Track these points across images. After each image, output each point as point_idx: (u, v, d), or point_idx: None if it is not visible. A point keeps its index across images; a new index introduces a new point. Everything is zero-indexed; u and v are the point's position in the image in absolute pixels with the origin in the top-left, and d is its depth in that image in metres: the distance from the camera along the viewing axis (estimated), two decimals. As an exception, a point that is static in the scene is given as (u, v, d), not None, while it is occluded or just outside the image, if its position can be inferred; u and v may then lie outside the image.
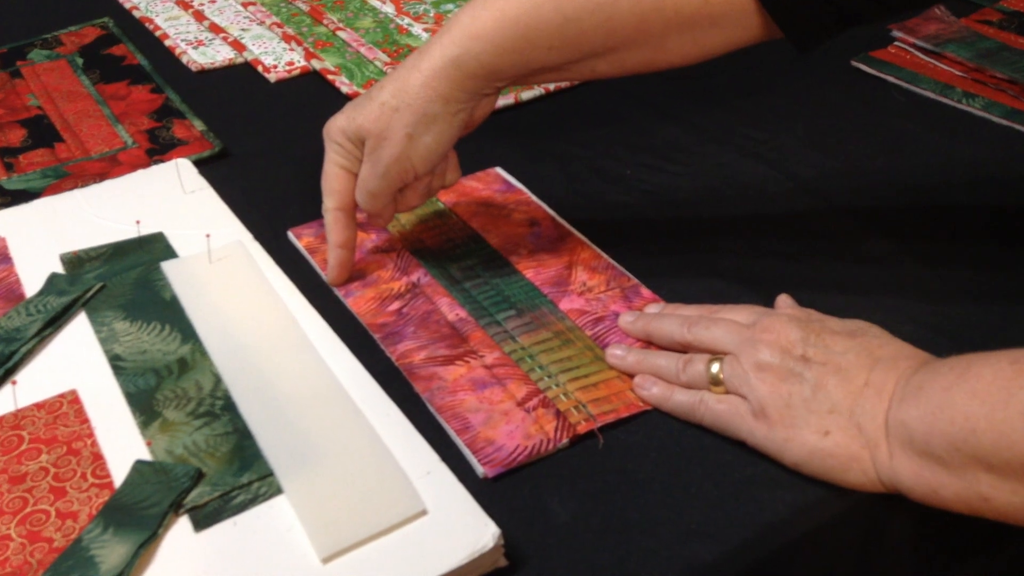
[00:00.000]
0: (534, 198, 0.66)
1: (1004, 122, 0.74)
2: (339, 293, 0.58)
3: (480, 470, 0.47)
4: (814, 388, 0.45)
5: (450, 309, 0.56)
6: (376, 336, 0.55)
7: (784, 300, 0.54)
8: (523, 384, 0.51)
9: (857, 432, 0.44)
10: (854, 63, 0.83)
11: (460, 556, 0.42)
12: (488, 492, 0.46)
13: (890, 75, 0.81)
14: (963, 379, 0.41)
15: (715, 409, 0.48)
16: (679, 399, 0.49)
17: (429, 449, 0.47)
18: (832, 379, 0.45)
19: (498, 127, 0.76)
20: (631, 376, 0.52)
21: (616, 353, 0.53)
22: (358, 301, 0.57)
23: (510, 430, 0.48)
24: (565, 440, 0.48)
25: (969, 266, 0.60)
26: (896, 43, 0.85)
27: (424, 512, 0.43)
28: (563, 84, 0.81)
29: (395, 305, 0.57)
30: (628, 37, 0.52)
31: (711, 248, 0.62)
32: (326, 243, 0.59)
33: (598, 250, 0.61)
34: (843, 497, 0.46)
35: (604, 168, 0.71)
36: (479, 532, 0.42)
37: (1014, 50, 0.83)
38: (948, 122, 0.75)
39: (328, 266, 0.58)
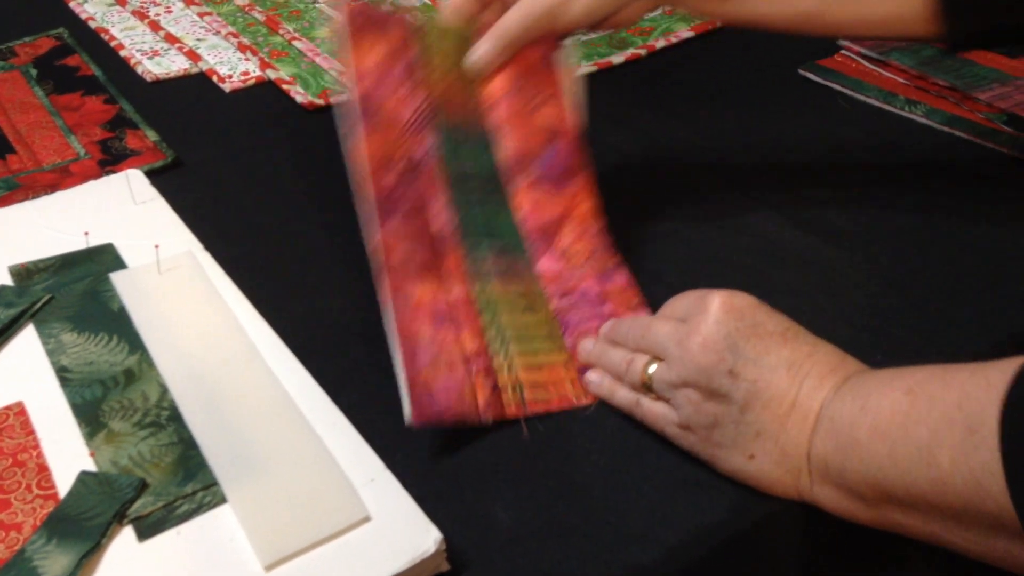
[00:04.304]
0: (567, 100, 0.61)
1: (945, 128, 0.76)
2: (356, 115, 0.55)
3: (407, 415, 0.47)
4: (741, 409, 0.45)
5: (438, 213, 0.54)
6: (373, 193, 0.52)
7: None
8: (475, 338, 0.51)
9: (782, 457, 0.45)
10: (801, 71, 0.85)
11: (402, 561, 0.42)
12: (431, 498, 0.46)
13: (836, 83, 0.83)
14: (864, 413, 0.42)
15: (648, 413, 0.49)
16: (620, 396, 0.50)
17: (374, 456, 0.47)
18: (759, 401, 0.45)
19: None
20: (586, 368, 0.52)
21: (586, 347, 0.53)
22: (373, 139, 0.54)
23: (448, 386, 0.48)
24: (490, 418, 0.49)
25: (911, 271, 0.62)
26: (842, 52, 0.87)
27: (367, 519, 0.44)
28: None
29: (393, 177, 0.54)
30: None
31: (657, 256, 0.63)
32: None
33: (598, 205, 0.58)
34: (778, 498, 0.47)
35: (555, 176, 0.72)
36: (421, 537, 0.43)
37: (956, 58, 0.85)
38: (891, 128, 0.77)
39: None
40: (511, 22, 0.58)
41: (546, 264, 0.55)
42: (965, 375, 0.40)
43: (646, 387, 0.49)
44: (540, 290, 0.54)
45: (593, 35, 0.59)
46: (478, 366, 0.50)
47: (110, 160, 0.73)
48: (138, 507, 0.44)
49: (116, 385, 0.51)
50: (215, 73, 0.86)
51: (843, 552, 0.53)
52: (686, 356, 0.46)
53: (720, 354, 0.45)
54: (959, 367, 0.41)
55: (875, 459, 0.41)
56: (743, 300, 0.47)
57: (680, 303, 0.50)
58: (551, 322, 0.53)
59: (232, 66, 0.87)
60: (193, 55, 0.89)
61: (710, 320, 0.46)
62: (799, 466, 0.45)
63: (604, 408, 0.51)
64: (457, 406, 0.48)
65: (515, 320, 0.52)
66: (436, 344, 0.49)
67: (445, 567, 0.44)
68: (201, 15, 0.96)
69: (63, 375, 0.52)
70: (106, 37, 0.93)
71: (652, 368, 0.48)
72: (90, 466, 0.47)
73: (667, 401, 0.48)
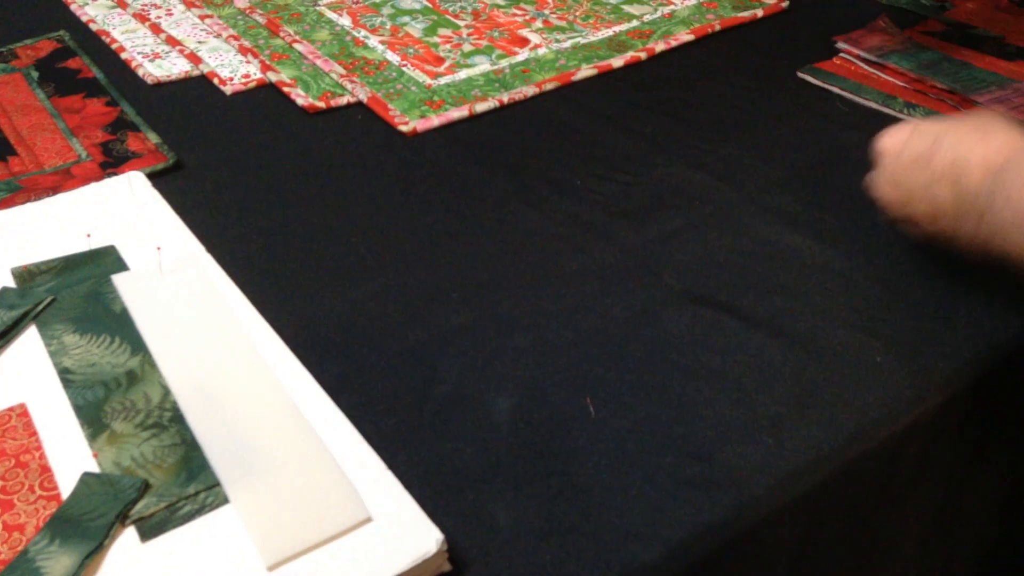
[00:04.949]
0: None
1: (943, 131, 0.76)
2: None
3: None
4: (927, 224, 0.57)
5: None
6: None
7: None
8: None
9: (973, 240, 0.55)
10: (800, 74, 0.85)
11: (405, 561, 0.43)
12: (433, 498, 0.46)
13: (835, 85, 0.83)
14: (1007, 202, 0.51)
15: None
16: None
17: (376, 457, 0.48)
18: (932, 215, 0.56)
19: (452, 137, 0.77)
20: None
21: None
22: None
23: None
24: None
25: (908, 273, 0.62)
26: (841, 55, 0.87)
27: (369, 519, 0.44)
28: (517, 97, 0.82)
29: None
30: None
31: (657, 257, 0.63)
32: None
33: None
34: (777, 498, 0.47)
35: (556, 178, 0.72)
36: (423, 538, 0.43)
37: (955, 61, 0.86)
38: (890, 132, 0.77)
39: None
40: None
41: None
42: None
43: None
44: None
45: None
46: None
47: (111, 162, 0.73)
48: (141, 508, 0.45)
49: (118, 386, 0.51)
50: (216, 76, 0.86)
51: (839, 552, 0.54)
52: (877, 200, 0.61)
53: (890, 194, 0.59)
54: None
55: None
56: (893, 138, 0.60)
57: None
58: None
59: (233, 69, 0.87)
60: (194, 58, 0.89)
61: (878, 170, 0.60)
62: (983, 242, 0.54)
63: (606, 409, 0.52)
64: None
65: None
66: None
67: (447, 567, 0.44)
68: (202, 18, 0.97)
69: (65, 376, 0.52)
70: (107, 40, 0.93)
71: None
72: (92, 467, 0.47)
73: None
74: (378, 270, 0.63)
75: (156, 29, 0.94)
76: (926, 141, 0.57)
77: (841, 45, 0.88)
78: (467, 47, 0.91)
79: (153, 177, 0.70)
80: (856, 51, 0.87)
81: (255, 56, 0.89)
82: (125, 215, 0.65)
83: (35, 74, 0.87)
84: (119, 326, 0.55)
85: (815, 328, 0.57)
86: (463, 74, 0.86)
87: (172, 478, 0.46)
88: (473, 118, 0.80)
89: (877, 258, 0.63)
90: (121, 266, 0.60)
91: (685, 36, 0.93)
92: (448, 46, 0.91)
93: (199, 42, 0.92)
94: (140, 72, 0.87)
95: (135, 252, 0.62)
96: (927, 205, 0.57)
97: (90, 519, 0.44)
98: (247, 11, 0.98)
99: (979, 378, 0.55)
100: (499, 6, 0.99)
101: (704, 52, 0.91)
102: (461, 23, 0.96)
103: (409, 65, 0.87)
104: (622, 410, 0.52)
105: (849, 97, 0.82)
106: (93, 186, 0.69)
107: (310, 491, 0.45)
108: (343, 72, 0.86)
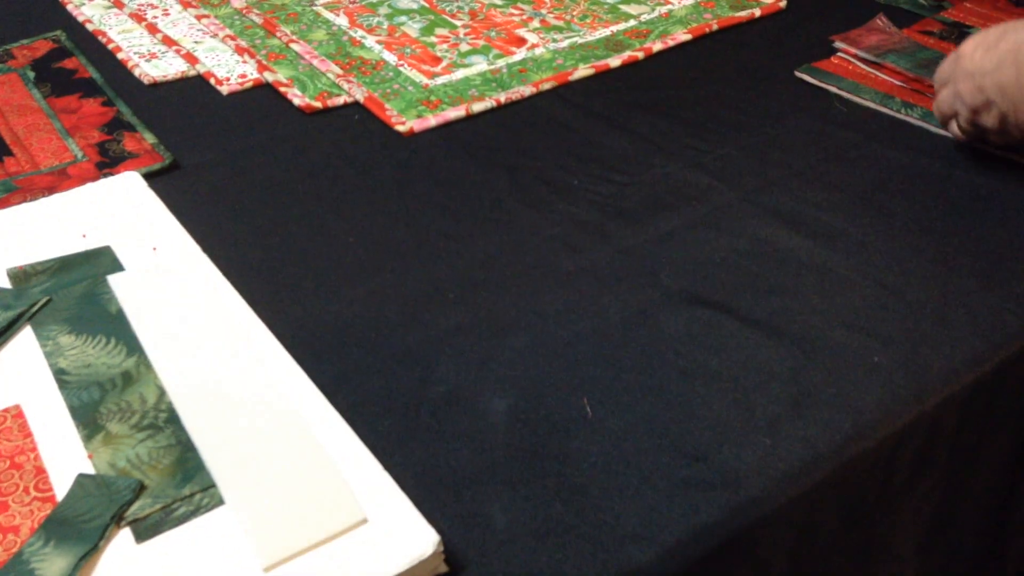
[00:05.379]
0: None
1: (940, 131, 0.76)
2: None
3: None
4: (966, 120, 0.70)
5: None
6: None
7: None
8: None
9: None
10: (797, 74, 0.85)
11: (401, 563, 0.42)
12: (429, 499, 0.46)
13: (832, 85, 0.83)
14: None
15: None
16: None
17: (372, 458, 0.47)
18: (977, 118, 0.69)
19: (449, 137, 0.77)
20: None
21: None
22: None
23: None
24: None
25: (906, 272, 0.62)
26: (839, 54, 0.87)
27: (365, 521, 0.44)
28: (514, 97, 0.82)
29: None
30: None
31: (654, 257, 0.63)
32: None
33: None
34: (774, 499, 0.47)
35: (553, 178, 0.72)
36: (420, 539, 0.43)
37: (952, 60, 0.86)
38: (887, 131, 0.77)
39: None
40: None
41: None
42: None
43: None
44: None
45: None
46: None
47: (108, 163, 0.73)
48: (136, 509, 0.45)
49: (114, 387, 0.51)
50: (212, 75, 0.86)
51: (836, 553, 0.53)
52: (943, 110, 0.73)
53: (964, 86, 0.68)
54: None
55: None
56: (972, 39, 0.67)
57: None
58: None
59: (229, 68, 0.87)
60: (191, 58, 0.89)
61: (956, 70, 0.69)
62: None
63: (603, 409, 0.52)
64: None
65: None
66: None
67: (443, 569, 0.44)
68: (199, 17, 0.96)
69: (61, 377, 0.52)
70: (104, 40, 0.93)
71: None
72: (88, 468, 0.47)
73: None
74: (374, 270, 0.62)
75: (152, 29, 0.94)
76: (997, 31, 0.65)
77: (839, 44, 0.88)
78: (464, 47, 0.91)
79: (149, 177, 0.70)
80: (854, 50, 0.86)
81: (252, 56, 0.89)
82: (121, 215, 0.65)
83: (31, 74, 0.87)
84: (115, 327, 0.55)
85: (812, 328, 0.57)
86: (460, 74, 0.86)
87: (167, 479, 0.46)
88: (470, 118, 0.80)
89: (875, 258, 0.63)
90: (117, 267, 0.60)
91: (682, 36, 0.93)
92: (445, 46, 0.91)
93: (195, 42, 0.92)
94: (136, 72, 0.87)
95: (131, 252, 0.62)
96: (992, 91, 0.65)
97: (85, 521, 0.44)
98: (244, 11, 0.98)
99: (977, 378, 0.55)
100: (496, 6, 0.99)
101: (701, 52, 0.91)
102: (458, 23, 0.96)
103: (406, 65, 0.87)
104: (619, 411, 0.52)
105: (847, 97, 0.82)
106: (89, 186, 0.69)
107: (306, 492, 0.45)
108: (340, 72, 0.86)
